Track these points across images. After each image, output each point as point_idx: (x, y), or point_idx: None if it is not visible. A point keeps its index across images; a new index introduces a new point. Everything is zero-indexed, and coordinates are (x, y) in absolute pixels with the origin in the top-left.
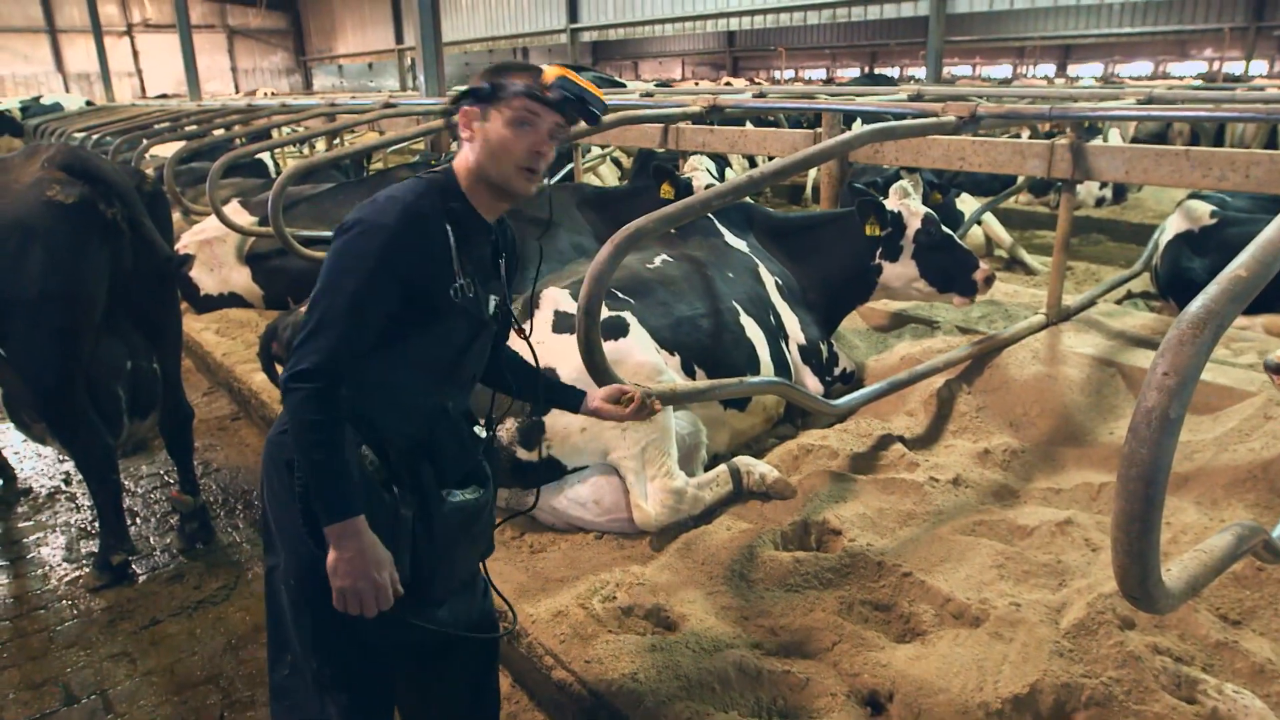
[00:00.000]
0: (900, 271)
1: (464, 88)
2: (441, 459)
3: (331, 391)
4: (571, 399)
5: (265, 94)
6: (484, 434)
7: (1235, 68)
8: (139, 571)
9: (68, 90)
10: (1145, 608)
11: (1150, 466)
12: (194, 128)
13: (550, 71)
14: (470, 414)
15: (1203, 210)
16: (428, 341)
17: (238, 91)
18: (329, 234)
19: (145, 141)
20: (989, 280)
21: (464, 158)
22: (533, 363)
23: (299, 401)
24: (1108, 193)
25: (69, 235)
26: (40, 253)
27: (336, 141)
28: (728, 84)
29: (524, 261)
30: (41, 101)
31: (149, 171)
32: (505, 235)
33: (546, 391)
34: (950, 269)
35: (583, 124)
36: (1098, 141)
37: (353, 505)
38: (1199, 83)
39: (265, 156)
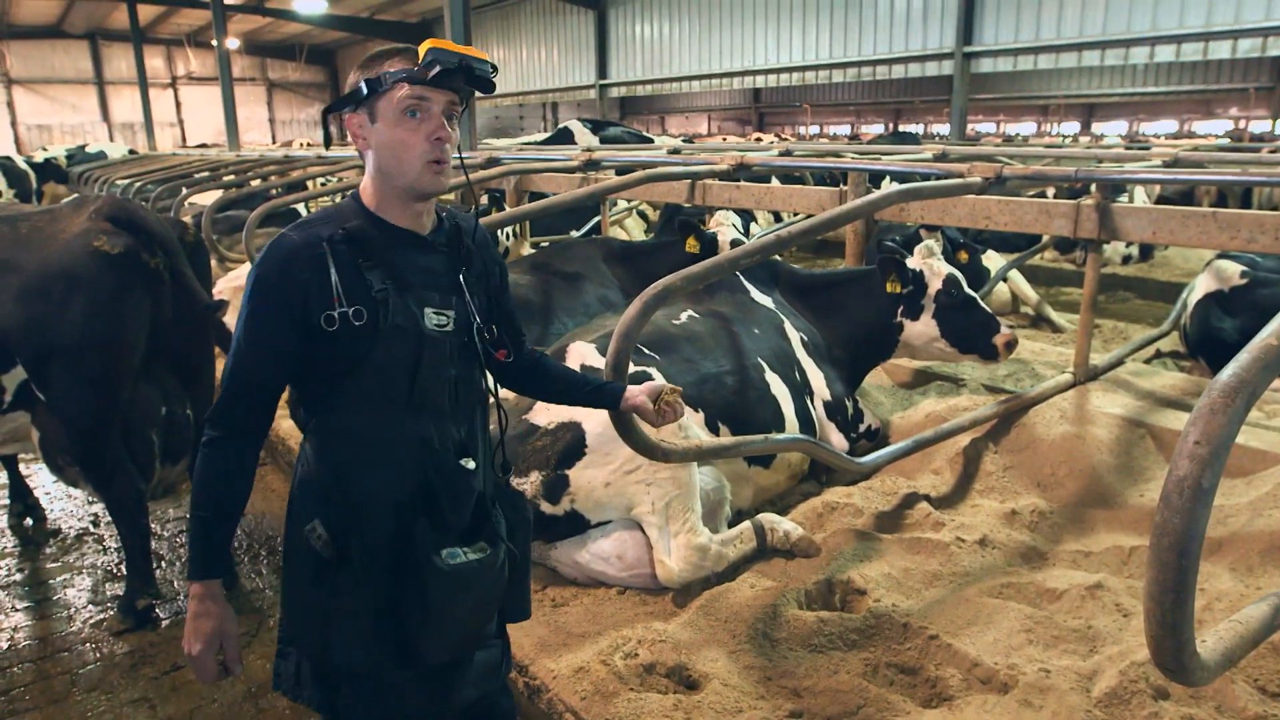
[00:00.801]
0: (921, 330)
1: (344, 95)
2: (438, 508)
3: (224, 444)
4: (612, 398)
5: (301, 145)
6: (472, 465)
7: (1261, 126)
8: (162, 616)
9: (112, 139)
10: (1180, 680)
11: (1183, 536)
12: (232, 177)
13: (422, 47)
14: (467, 446)
15: (1232, 270)
16: (369, 372)
17: (275, 141)
18: None
19: (185, 190)
20: (1010, 345)
21: (367, 173)
22: (490, 397)
23: (198, 454)
24: (1134, 250)
25: (113, 284)
26: (84, 300)
27: None
28: (758, 139)
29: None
30: (87, 150)
31: (187, 219)
32: (459, 238)
33: (590, 395)
34: (971, 330)
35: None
36: (1124, 201)
37: (203, 569)
38: (1225, 141)
39: (300, 207)
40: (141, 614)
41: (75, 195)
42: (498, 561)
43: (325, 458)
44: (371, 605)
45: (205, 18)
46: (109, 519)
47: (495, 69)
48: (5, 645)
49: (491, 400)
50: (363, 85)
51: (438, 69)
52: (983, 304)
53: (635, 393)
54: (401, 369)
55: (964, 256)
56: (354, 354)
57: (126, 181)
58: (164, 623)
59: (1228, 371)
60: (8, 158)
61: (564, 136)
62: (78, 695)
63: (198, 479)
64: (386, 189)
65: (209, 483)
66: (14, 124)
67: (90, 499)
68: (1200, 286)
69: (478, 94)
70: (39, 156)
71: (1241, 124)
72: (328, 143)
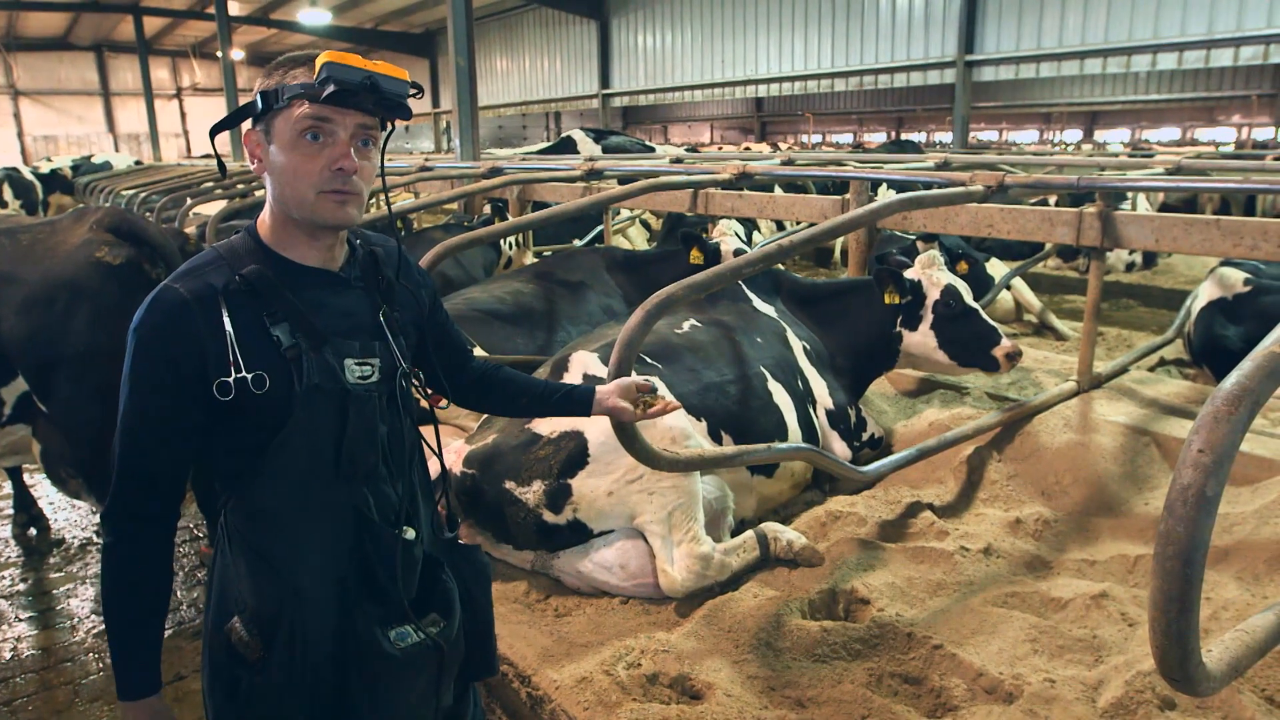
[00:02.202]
0: (919, 341)
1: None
2: (378, 586)
3: (130, 543)
4: (583, 404)
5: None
6: (411, 534)
7: (1264, 133)
8: (165, 626)
9: (118, 150)
10: (1186, 690)
11: (1187, 545)
12: (237, 187)
13: (317, 60)
14: (406, 511)
15: (1236, 278)
16: (289, 442)
17: None
18: None
19: (190, 200)
20: (1011, 357)
21: (266, 202)
22: (433, 440)
23: (101, 553)
24: (1138, 258)
25: (116, 295)
26: (88, 311)
27: (373, 203)
28: (746, 148)
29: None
30: (92, 160)
31: (192, 229)
32: (376, 270)
33: (560, 402)
34: (970, 342)
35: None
36: (1126, 208)
37: (136, 687)
38: (1229, 149)
39: None
40: None
41: (79, 206)
42: (452, 634)
43: (246, 542)
44: (306, 708)
45: (210, 29)
46: None
47: (418, 90)
48: (9, 655)
49: (430, 449)
50: (258, 98)
51: (332, 88)
52: (984, 315)
53: (607, 393)
54: (325, 435)
55: (964, 267)
56: (264, 425)
57: (132, 192)
58: (166, 632)
59: (1231, 379)
60: (14, 169)
61: (566, 146)
62: (80, 705)
63: (109, 588)
64: (286, 222)
65: (122, 590)
66: (20, 135)
67: (94, 510)
68: (1204, 294)
69: (397, 119)
70: (45, 167)
71: (1244, 131)
72: (223, 170)
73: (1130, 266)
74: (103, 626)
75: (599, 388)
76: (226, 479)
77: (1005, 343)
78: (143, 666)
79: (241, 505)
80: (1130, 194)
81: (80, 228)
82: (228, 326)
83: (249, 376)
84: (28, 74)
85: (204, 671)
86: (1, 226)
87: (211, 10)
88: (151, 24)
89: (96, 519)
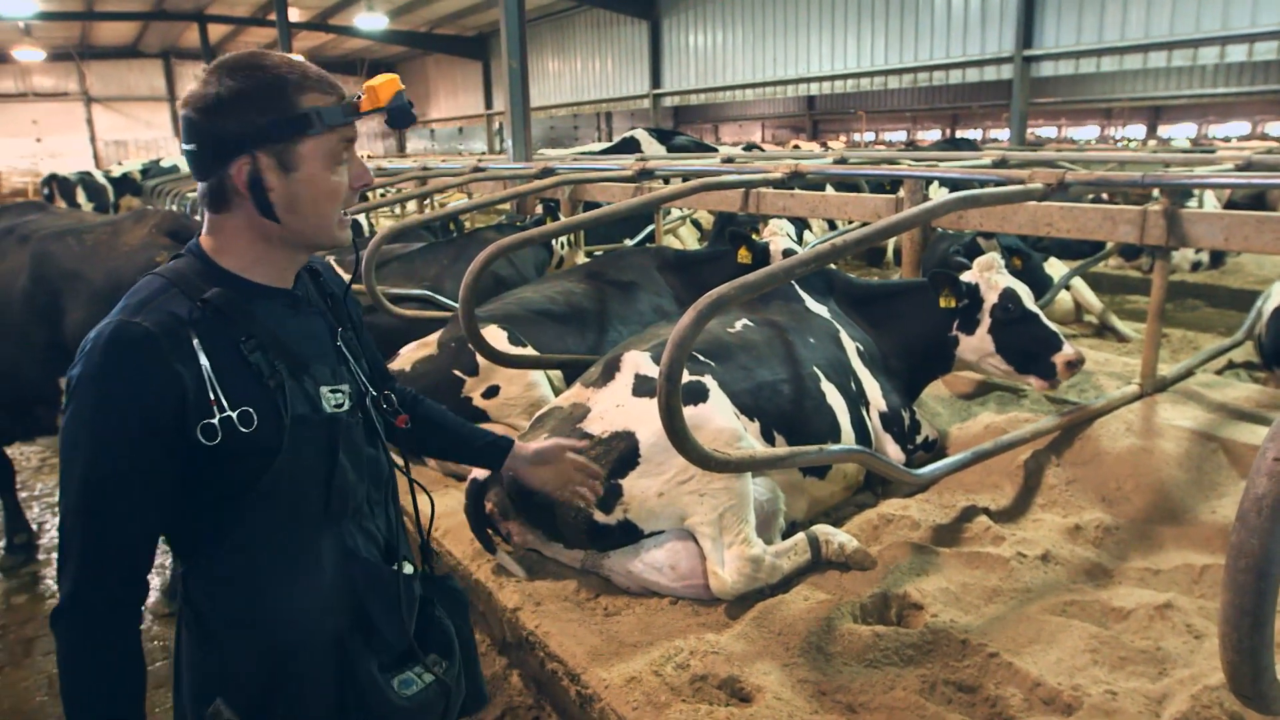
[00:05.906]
0: (976, 345)
1: (235, 129)
2: (376, 632)
3: (98, 635)
4: (498, 455)
5: (363, 156)
6: (410, 569)
7: None
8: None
9: None
10: (1258, 709)
11: (1261, 558)
12: None
13: (380, 85)
14: (391, 544)
15: None
16: (273, 483)
17: None
18: (418, 292)
19: None
20: (1072, 365)
21: (235, 228)
22: (399, 465)
23: (57, 650)
24: (1204, 257)
25: None
26: None
27: (427, 203)
28: (795, 146)
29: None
30: (161, 164)
31: None
32: (322, 288)
33: (481, 450)
34: (1029, 348)
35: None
36: (1193, 205)
37: None
38: None
39: (360, 217)
40: (19, 548)
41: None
42: (455, 673)
43: (219, 612)
44: None
45: (272, 35)
46: None
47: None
48: None
49: (413, 481)
50: (280, 119)
51: (393, 108)
52: (1045, 320)
53: (528, 446)
54: (313, 472)
55: (1018, 263)
56: (247, 469)
57: (195, 194)
58: None
59: None
60: (88, 173)
61: (629, 146)
62: None
63: (80, 696)
64: (274, 243)
65: (101, 696)
66: (93, 140)
67: None
68: (1276, 294)
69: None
70: (116, 171)
71: None
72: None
73: (1196, 266)
74: (153, 623)
75: (517, 444)
76: (190, 543)
77: (1067, 349)
78: None
79: (210, 570)
80: (1196, 191)
81: (140, 230)
82: (203, 360)
83: (234, 415)
84: (100, 81)
85: None
86: (68, 226)
87: (273, 17)
88: (216, 31)
89: None
